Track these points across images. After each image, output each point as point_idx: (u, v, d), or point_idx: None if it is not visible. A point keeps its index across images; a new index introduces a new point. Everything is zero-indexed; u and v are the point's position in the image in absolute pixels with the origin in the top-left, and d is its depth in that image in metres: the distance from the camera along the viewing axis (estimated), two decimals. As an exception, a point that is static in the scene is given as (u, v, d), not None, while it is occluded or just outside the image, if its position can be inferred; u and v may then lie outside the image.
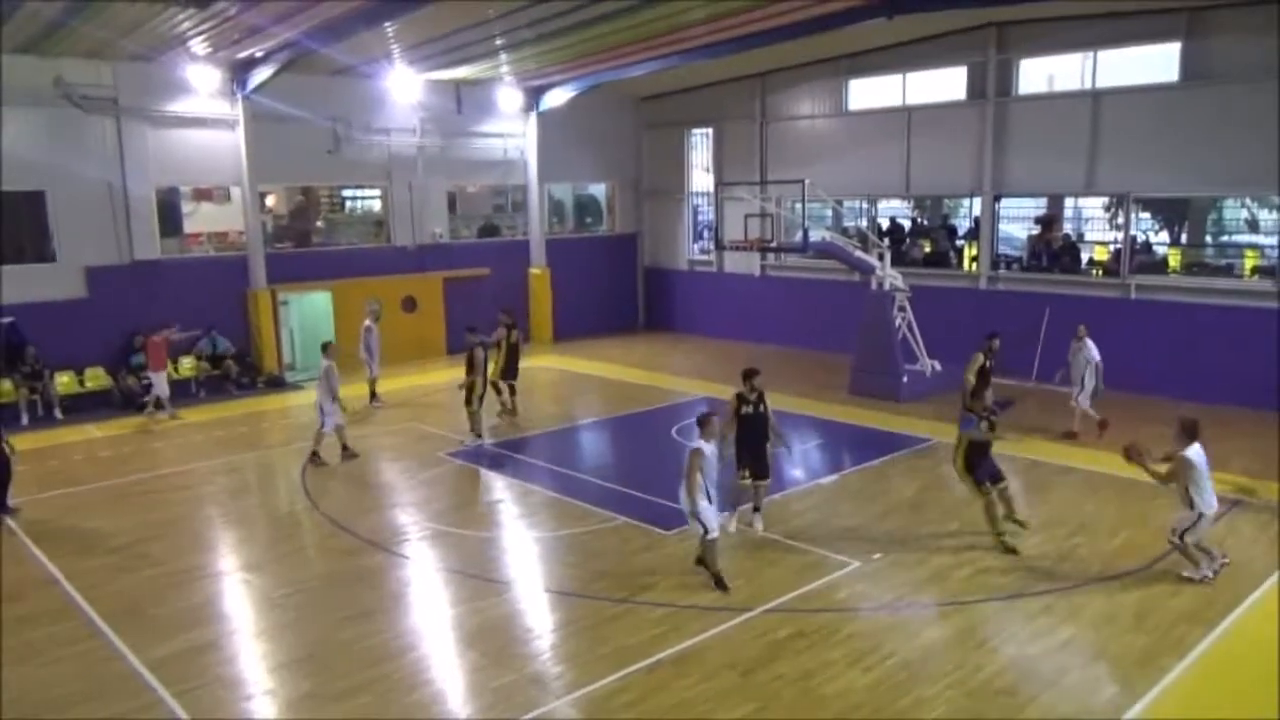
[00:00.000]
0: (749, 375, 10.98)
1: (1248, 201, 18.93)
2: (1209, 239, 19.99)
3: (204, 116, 20.04)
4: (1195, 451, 9.46)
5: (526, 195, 25.72)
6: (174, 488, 13.67)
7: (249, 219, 20.84)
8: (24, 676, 8.22)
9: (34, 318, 18.10)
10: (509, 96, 24.34)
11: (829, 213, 23.50)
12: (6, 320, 17.93)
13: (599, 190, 28.60)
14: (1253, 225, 19.11)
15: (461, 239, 25.21)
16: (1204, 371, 17.00)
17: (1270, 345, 16.43)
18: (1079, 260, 19.86)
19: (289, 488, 13.68)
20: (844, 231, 21.68)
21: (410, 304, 23.33)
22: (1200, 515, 9.46)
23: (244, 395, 19.72)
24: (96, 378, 18.82)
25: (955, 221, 22.86)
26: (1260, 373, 16.40)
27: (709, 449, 9.42)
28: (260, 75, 19.40)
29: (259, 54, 18.72)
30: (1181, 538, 9.58)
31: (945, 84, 21.17)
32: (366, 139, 22.35)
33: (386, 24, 16.61)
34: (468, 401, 15.60)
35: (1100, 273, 19.48)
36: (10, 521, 12.10)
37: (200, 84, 19.58)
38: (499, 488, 13.56)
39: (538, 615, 9.38)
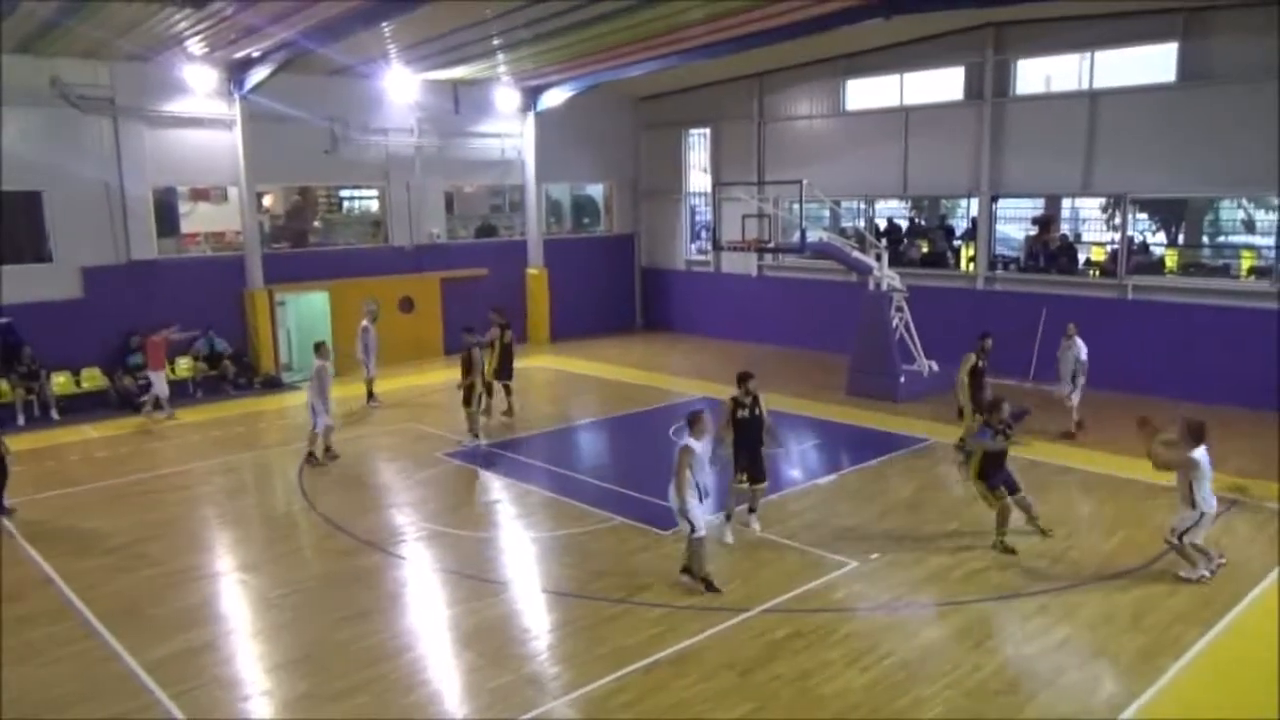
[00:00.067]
0: (744, 379, 10.91)
1: (1244, 202, 18.97)
2: (1206, 239, 20.02)
3: (201, 116, 20.02)
4: (1201, 453, 9.48)
5: (524, 195, 25.72)
6: (171, 488, 13.65)
7: (246, 219, 20.82)
8: (22, 677, 8.20)
9: (30, 318, 18.06)
10: (506, 96, 24.34)
11: (826, 213, 23.52)
12: (2, 321, 17.90)
13: (596, 190, 28.60)
14: (1249, 226, 19.15)
15: (459, 239, 25.20)
16: (1200, 372, 17.02)
17: (1266, 345, 16.45)
18: (1076, 261, 19.88)
19: (286, 488, 13.66)
20: (841, 232, 21.69)
21: (407, 304, 23.31)
22: (1202, 514, 9.48)
23: (241, 395, 19.70)
24: (93, 378, 18.79)
25: (953, 222, 22.87)
26: (1257, 373, 16.42)
27: (699, 447, 9.40)
28: (257, 75, 19.38)
29: (256, 54, 18.69)
30: (1180, 538, 9.59)
31: (943, 84, 21.19)
32: (364, 139, 22.34)
33: (384, 24, 16.60)
34: (466, 402, 15.59)
35: (1097, 273, 19.51)
36: (6, 522, 12.08)
37: (197, 84, 19.56)
38: (496, 488, 13.55)
39: (535, 615, 9.38)
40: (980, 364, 13.97)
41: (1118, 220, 19.29)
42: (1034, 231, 20.70)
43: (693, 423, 9.51)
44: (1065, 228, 20.92)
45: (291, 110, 20.62)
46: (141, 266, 19.53)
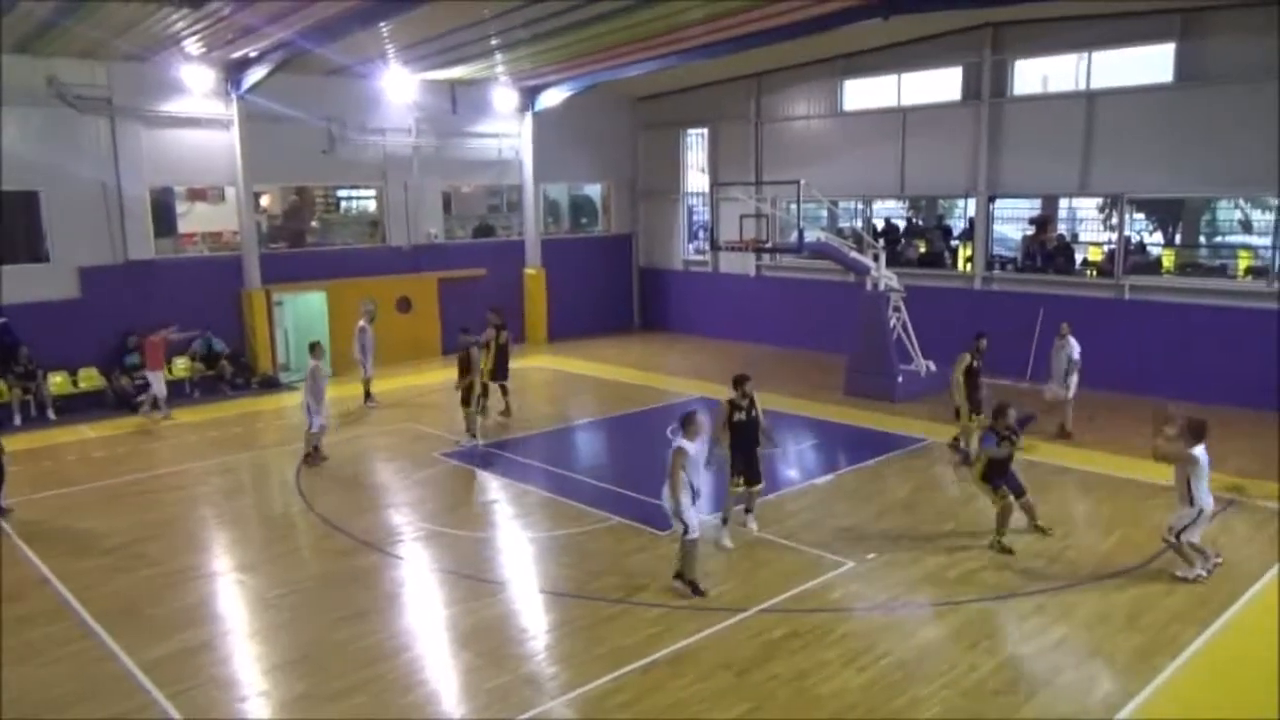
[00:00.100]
0: (740, 381, 10.86)
1: (1241, 202, 18.99)
2: (1203, 240, 20.04)
3: (198, 116, 20.01)
4: (1201, 451, 9.52)
5: (522, 195, 25.72)
6: (168, 488, 13.64)
7: (243, 219, 20.81)
8: (20, 677, 8.19)
9: (27, 318, 18.04)
10: (504, 96, 24.33)
11: (824, 213, 23.53)
12: (0, 321, 17.88)
13: (594, 190, 28.60)
14: (1246, 226, 19.18)
15: (456, 239, 25.20)
16: (1198, 371, 17.04)
17: (1263, 345, 16.48)
18: (1073, 261, 19.90)
19: (283, 488, 13.65)
20: (839, 232, 21.70)
21: (405, 304, 23.30)
22: (1200, 512, 9.50)
23: (238, 396, 19.70)
24: (90, 378, 18.78)
25: (950, 222, 22.89)
26: (1254, 373, 16.45)
27: (692, 448, 9.32)
28: (254, 75, 19.37)
29: (253, 54, 18.69)
30: (1178, 536, 9.60)
31: (940, 85, 21.21)
32: (361, 139, 22.33)
33: (381, 24, 16.60)
34: (465, 402, 15.59)
35: (1094, 273, 19.53)
36: (2, 523, 12.06)
37: (194, 84, 19.55)
38: (494, 488, 13.55)
39: (533, 616, 9.38)
40: (975, 364, 14.00)
41: (1115, 220, 19.32)
42: (1031, 231, 20.72)
43: (686, 424, 9.43)
44: (1062, 228, 20.93)
45: (289, 110, 20.61)
46: (139, 266, 19.51)
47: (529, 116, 25.02)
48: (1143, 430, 14.90)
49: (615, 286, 28.07)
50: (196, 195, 21.62)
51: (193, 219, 21.59)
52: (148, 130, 19.48)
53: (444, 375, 17.42)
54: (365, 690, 7.86)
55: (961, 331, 14.96)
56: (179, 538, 11.65)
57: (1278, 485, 12.31)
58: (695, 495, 9.43)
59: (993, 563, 10.26)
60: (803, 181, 18.05)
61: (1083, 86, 19.05)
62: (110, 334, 19.12)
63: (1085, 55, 18.98)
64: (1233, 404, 16.00)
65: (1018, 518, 10.85)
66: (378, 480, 14.16)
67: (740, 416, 10.73)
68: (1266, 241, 17.86)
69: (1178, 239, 20.30)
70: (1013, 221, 21.39)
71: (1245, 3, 16.34)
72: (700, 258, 26.93)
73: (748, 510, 11.22)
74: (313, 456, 14.49)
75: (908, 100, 21.71)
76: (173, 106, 19.68)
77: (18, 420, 17.37)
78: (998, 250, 21.19)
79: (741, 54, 19.99)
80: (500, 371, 17.05)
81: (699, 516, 9.56)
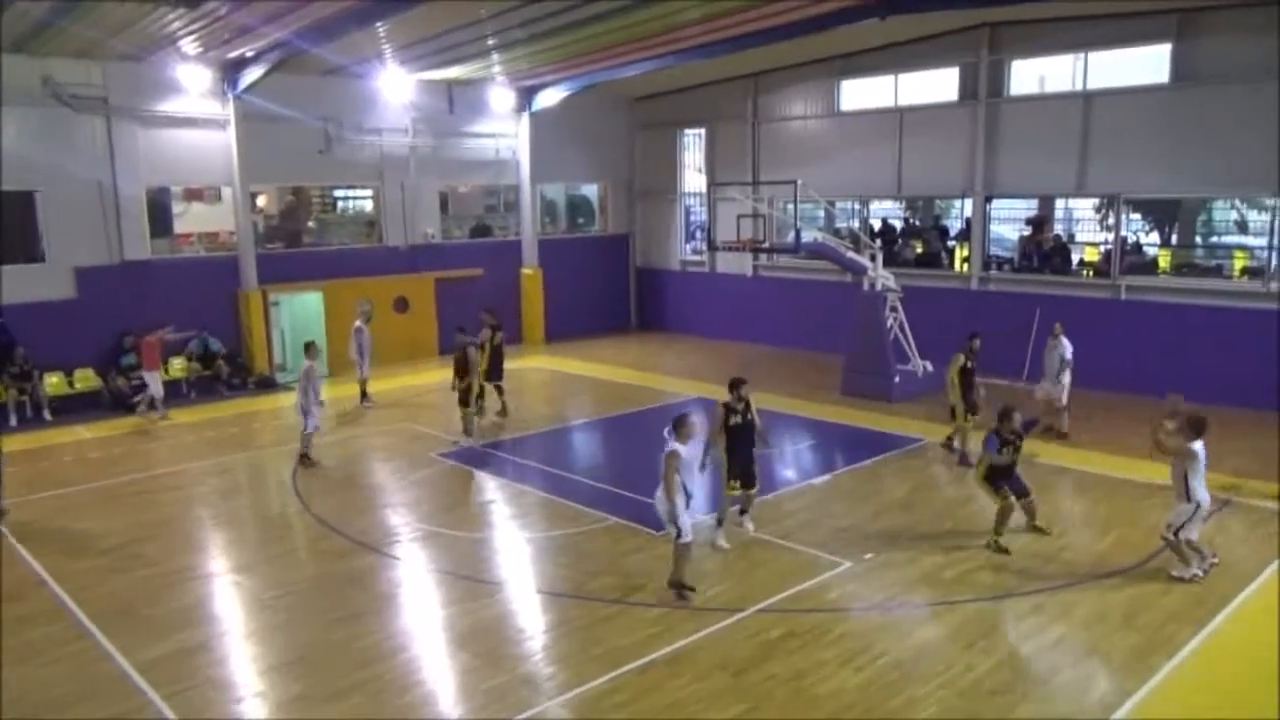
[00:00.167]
0: (736, 385, 10.82)
1: (1238, 203, 19.01)
2: (1199, 240, 20.07)
3: (195, 116, 19.98)
4: (1200, 446, 9.56)
5: (519, 195, 25.70)
6: (165, 489, 13.62)
7: (240, 219, 20.79)
8: (18, 678, 8.17)
9: (23, 318, 17.99)
10: (501, 96, 24.31)
11: (821, 213, 23.54)
12: (-4, 321, 17.87)
13: (591, 190, 28.59)
14: (1242, 226, 19.20)
15: (453, 239, 25.18)
16: (1194, 371, 17.03)
17: (1259, 345, 16.50)
18: (1070, 261, 19.92)
19: (280, 489, 13.64)
20: (836, 232, 21.72)
21: (402, 304, 23.29)
22: (1196, 507, 9.52)
23: (235, 396, 19.67)
24: (86, 379, 18.75)
25: (947, 222, 22.90)
26: (1250, 373, 16.48)
27: (685, 451, 9.28)
28: (251, 75, 19.34)
29: (250, 54, 18.66)
30: (1176, 534, 9.62)
31: (937, 85, 21.23)
32: (358, 139, 22.31)
33: (378, 24, 16.58)
34: (464, 402, 15.59)
35: (1091, 273, 19.56)
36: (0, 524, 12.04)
37: (191, 84, 19.52)
38: (491, 488, 13.54)
39: (530, 616, 9.37)
40: (969, 364, 14.02)
41: (1111, 221, 19.34)
42: (1028, 232, 20.74)
43: (679, 426, 9.38)
44: (1059, 228, 20.94)
45: (285, 110, 20.57)
46: (135, 267, 19.48)
47: (526, 116, 25.00)
48: (1140, 430, 14.97)
49: (612, 287, 28.07)
50: (193, 195, 21.58)
51: (189, 219, 21.55)
52: (144, 130, 19.45)
53: (441, 375, 17.45)
54: (362, 691, 7.86)
55: (958, 332, 14.98)
56: (175, 538, 11.64)
57: (1277, 485, 12.31)
58: (689, 498, 9.42)
59: (989, 563, 10.27)
60: (800, 181, 18.06)
61: (1079, 87, 19.07)
62: (106, 334, 19.07)
63: (1082, 56, 19.01)
64: (1228, 404, 15.99)
65: (1015, 517, 10.85)
66: (374, 481, 14.14)
67: (736, 420, 10.70)
68: (1262, 242, 17.88)
69: (1174, 239, 20.32)
70: (1009, 222, 21.41)
71: (1241, 3, 16.36)
72: (697, 258, 26.93)
73: (743, 512, 11.20)
74: (307, 458, 14.45)
75: (905, 100, 21.73)
76: (169, 106, 19.65)
77: (13, 421, 17.34)
78: (994, 250, 21.21)
79: (738, 54, 19.99)
80: (495, 372, 17.06)
81: (692, 519, 9.55)
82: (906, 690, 7.68)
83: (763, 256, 23.84)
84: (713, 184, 23.20)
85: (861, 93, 22.74)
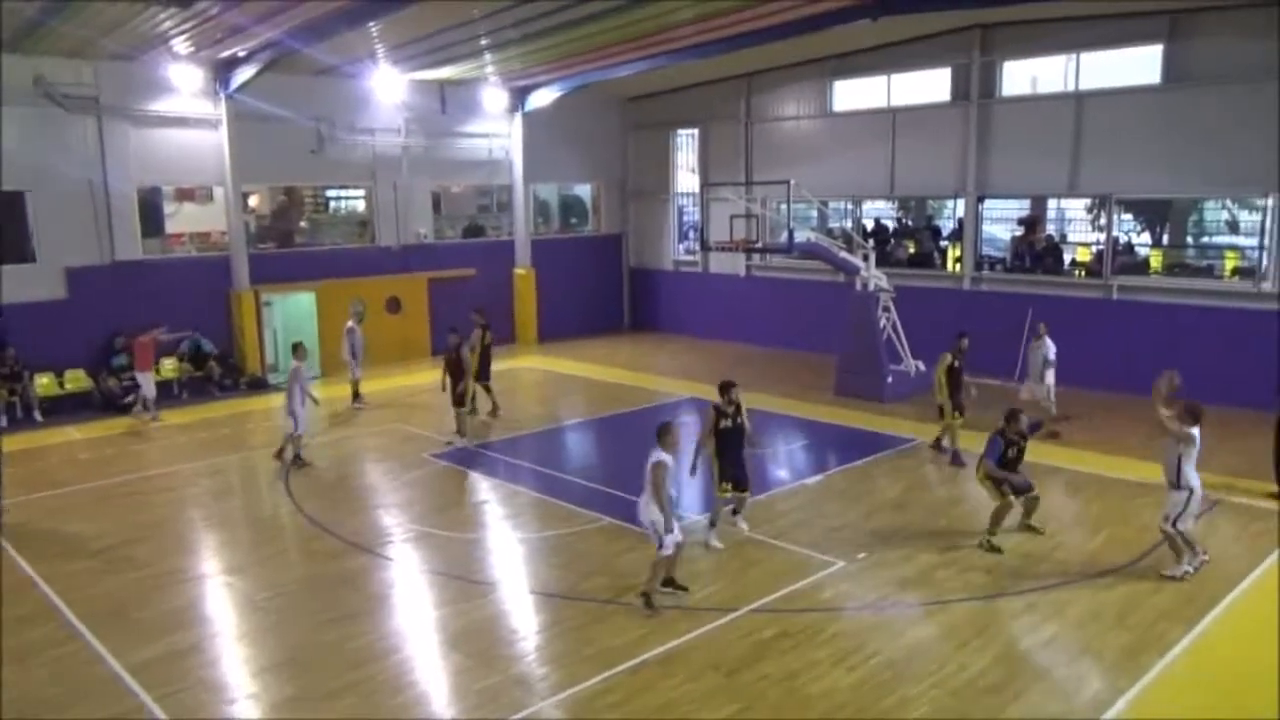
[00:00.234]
0: (726, 388, 10.80)
1: (1229, 203, 19.10)
2: (1190, 240, 20.15)
3: (186, 116, 19.91)
4: (1197, 432, 9.61)
5: (511, 195, 25.67)
6: (157, 490, 13.57)
7: (232, 219, 20.72)
8: (11, 680, 8.13)
9: (13, 318, 17.87)
10: (494, 96, 24.29)
11: (814, 213, 23.57)
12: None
13: (584, 190, 28.58)
14: (1233, 226, 19.29)
15: (446, 239, 25.15)
16: (1185, 371, 16.94)
17: (1250, 345, 16.57)
18: (1062, 261, 19.99)
19: (272, 490, 13.60)
20: (829, 232, 21.75)
21: (394, 305, 23.24)
22: (1190, 494, 9.56)
23: (226, 396, 19.61)
24: (76, 379, 18.67)
25: (939, 222, 22.96)
26: (1241, 372, 16.54)
27: (672, 461, 9.16)
28: (243, 75, 19.28)
29: (241, 53, 18.61)
30: (1174, 525, 9.65)
31: (929, 86, 21.28)
32: (350, 139, 22.26)
33: (370, 24, 16.55)
34: (460, 403, 15.58)
35: (1083, 273, 19.61)
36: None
37: (182, 83, 19.45)
38: (484, 489, 13.53)
39: (522, 617, 9.36)
40: (957, 364, 14.06)
41: (1103, 221, 19.40)
42: (1020, 232, 20.80)
43: (663, 435, 9.23)
44: (1051, 228, 21.03)
45: (277, 110, 20.51)
46: (126, 267, 19.40)
47: (519, 116, 24.98)
48: (1132, 429, 15.06)
49: (605, 287, 28.06)
50: (184, 195, 21.50)
51: (181, 219, 21.47)
52: (135, 130, 19.37)
53: (433, 376, 17.41)
54: (355, 692, 7.84)
55: (951, 332, 15.00)
56: (167, 540, 11.59)
57: (1275, 484, 12.34)
58: (674, 502, 9.38)
59: (982, 562, 10.30)
60: (793, 182, 18.07)
61: (1071, 88, 19.13)
62: (97, 335, 19.00)
63: (1074, 57, 19.07)
64: (1220, 403, 15.99)
65: (1010, 517, 10.87)
66: (367, 481, 14.12)
67: (726, 424, 10.68)
68: (1253, 242, 17.95)
69: (1165, 239, 20.40)
70: (1001, 222, 21.47)
71: (1233, 5, 16.43)
72: (690, 258, 26.94)
73: (735, 512, 11.20)
74: (300, 459, 14.41)
75: (897, 101, 21.77)
76: (161, 106, 19.58)
77: (4, 422, 17.24)
78: (987, 250, 21.27)
79: (732, 54, 20.00)
80: (484, 372, 17.05)
81: (680, 523, 9.50)
82: (899, 690, 7.70)
83: (756, 256, 23.88)
84: (706, 184, 23.28)
85: (854, 93, 22.78)
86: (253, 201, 22.81)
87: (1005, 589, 9.61)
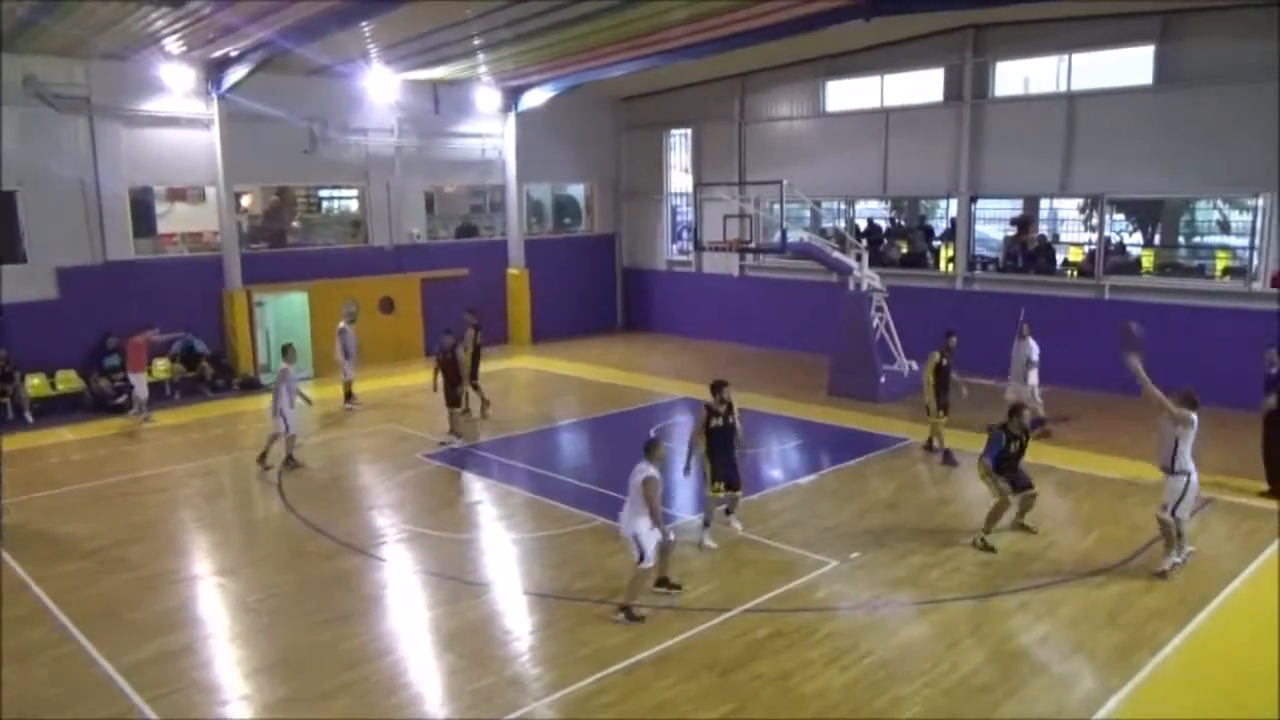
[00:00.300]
0: (718, 387, 10.81)
1: (1220, 203, 19.17)
2: (1182, 240, 20.22)
3: (178, 116, 19.85)
4: (1195, 417, 9.66)
5: (505, 195, 25.66)
6: (149, 491, 13.53)
7: (224, 219, 20.67)
8: (11, 680, 8.10)
9: (4, 319, 17.82)
10: (487, 97, 24.27)
11: (807, 213, 23.60)
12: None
13: (578, 191, 28.57)
14: (1224, 227, 19.36)
15: (439, 239, 25.12)
16: (1178, 371, 17.05)
17: (1242, 344, 16.59)
18: (1054, 261, 20.04)
19: (265, 491, 13.57)
20: (822, 232, 21.76)
21: (388, 305, 23.21)
22: (1187, 479, 9.60)
23: (219, 397, 19.57)
24: (68, 380, 18.60)
25: (932, 223, 23.00)
26: (1232, 372, 16.57)
27: (658, 474, 9.01)
28: (235, 74, 19.24)
29: (234, 53, 18.57)
30: (1174, 513, 9.68)
31: (922, 86, 21.31)
32: (343, 139, 22.22)
33: (362, 24, 16.52)
34: (455, 403, 15.57)
35: (1075, 273, 19.68)
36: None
37: (174, 83, 19.40)
38: (477, 489, 13.52)
39: (516, 617, 9.36)
40: (945, 362, 14.10)
41: (1095, 221, 19.46)
42: (1013, 232, 20.85)
43: (651, 449, 9.11)
44: (1043, 228, 21.05)
45: (270, 110, 20.46)
46: (118, 267, 19.34)
47: (512, 116, 24.96)
48: (1127, 428, 15.11)
49: (598, 287, 28.06)
50: (176, 195, 21.45)
51: (173, 219, 21.40)
52: (127, 129, 19.31)
53: (427, 376, 17.39)
54: (349, 693, 7.83)
55: (943, 331, 15.04)
56: (160, 541, 11.56)
57: (1265, 483, 12.40)
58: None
59: (975, 561, 10.32)
60: (786, 182, 18.10)
61: (1063, 88, 19.18)
62: (89, 335, 18.92)
63: (1066, 57, 19.12)
64: (1211, 403, 15.97)
65: (1005, 516, 10.91)
66: (360, 482, 14.10)
67: (718, 423, 10.69)
68: (1244, 242, 18.03)
69: (1157, 239, 20.46)
70: (994, 222, 21.52)
71: (1224, 6, 16.50)
72: (684, 258, 26.95)
73: (729, 512, 11.21)
74: (291, 460, 14.35)
75: (890, 101, 21.80)
76: (152, 106, 19.52)
77: (-4, 423, 17.21)
78: (979, 251, 21.31)
79: (725, 55, 20.00)
80: (473, 371, 17.05)
81: (686, 517, 9.51)
82: (892, 689, 7.71)
83: (749, 257, 23.88)
84: (699, 184, 23.25)
85: (847, 93, 22.81)
86: (245, 201, 22.75)
87: (998, 588, 9.64)
